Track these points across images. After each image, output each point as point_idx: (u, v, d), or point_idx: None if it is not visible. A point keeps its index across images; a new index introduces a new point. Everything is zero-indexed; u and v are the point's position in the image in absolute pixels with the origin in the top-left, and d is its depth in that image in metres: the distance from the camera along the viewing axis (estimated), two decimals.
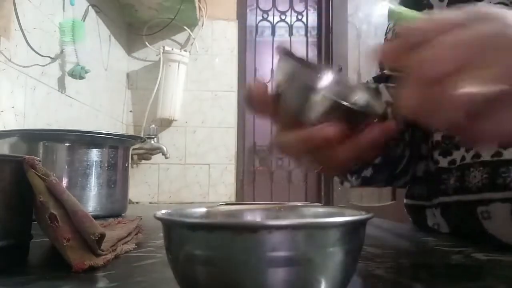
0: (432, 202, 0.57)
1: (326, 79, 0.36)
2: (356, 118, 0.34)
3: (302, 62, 0.37)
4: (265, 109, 0.35)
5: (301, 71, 0.34)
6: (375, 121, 0.35)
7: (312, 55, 2.39)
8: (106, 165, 0.82)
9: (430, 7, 0.60)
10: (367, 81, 0.63)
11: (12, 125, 0.93)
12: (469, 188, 0.48)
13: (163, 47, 1.84)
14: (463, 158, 0.49)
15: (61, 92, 1.21)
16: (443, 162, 0.52)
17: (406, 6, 0.66)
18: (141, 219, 0.58)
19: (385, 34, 0.70)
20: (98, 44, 1.52)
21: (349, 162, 0.37)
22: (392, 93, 0.52)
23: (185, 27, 1.91)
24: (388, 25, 0.70)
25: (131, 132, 1.87)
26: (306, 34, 2.42)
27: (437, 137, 0.54)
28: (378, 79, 0.67)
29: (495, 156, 0.46)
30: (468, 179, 0.48)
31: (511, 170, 0.44)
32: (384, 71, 0.67)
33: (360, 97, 0.36)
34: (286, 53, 0.35)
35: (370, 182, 0.56)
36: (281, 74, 0.34)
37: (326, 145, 0.34)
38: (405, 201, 0.65)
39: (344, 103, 0.33)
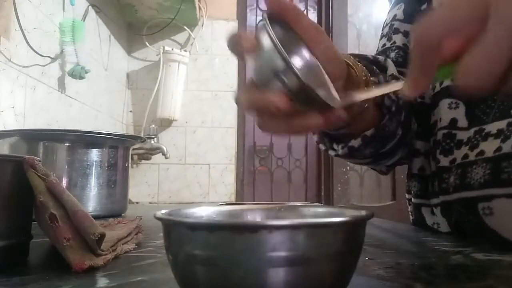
0: (431, 202, 0.57)
1: (296, 59, 0.38)
2: (311, 100, 0.35)
3: (283, 32, 0.37)
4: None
5: (273, 48, 0.33)
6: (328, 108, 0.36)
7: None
8: (106, 165, 0.82)
9: (430, 2, 0.60)
10: (377, 55, 0.61)
11: (12, 125, 0.93)
12: (471, 185, 0.48)
13: (163, 47, 1.84)
14: (465, 156, 0.49)
15: (61, 92, 1.21)
16: (444, 161, 0.52)
17: (406, 1, 0.65)
18: (141, 219, 0.58)
19: (382, 29, 0.69)
20: (98, 44, 1.52)
21: (294, 134, 0.39)
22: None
23: (185, 27, 1.91)
24: (385, 21, 0.69)
25: (131, 132, 1.87)
26: None
27: (438, 136, 0.54)
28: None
29: (497, 151, 0.46)
30: (470, 176, 0.48)
31: None
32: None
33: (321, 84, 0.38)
34: (270, 18, 0.35)
35: (355, 155, 0.54)
36: (256, 41, 0.35)
37: (273, 113, 0.35)
38: (406, 195, 0.65)
39: (307, 85, 0.33)
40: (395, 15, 0.67)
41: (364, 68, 0.47)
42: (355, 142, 0.50)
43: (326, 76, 0.40)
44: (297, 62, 0.39)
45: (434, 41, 0.28)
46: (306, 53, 0.40)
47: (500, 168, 0.45)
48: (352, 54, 0.51)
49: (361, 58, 0.52)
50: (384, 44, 0.67)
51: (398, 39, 0.65)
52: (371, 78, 0.47)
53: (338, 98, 0.38)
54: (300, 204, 0.35)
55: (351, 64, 0.46)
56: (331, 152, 0.55)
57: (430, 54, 0.29)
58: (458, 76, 0.28)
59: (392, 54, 0.64)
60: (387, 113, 0.49)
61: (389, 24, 0.67)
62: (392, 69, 0.53)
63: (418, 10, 0.63)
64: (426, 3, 0.61)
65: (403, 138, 0.55)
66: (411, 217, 0.65)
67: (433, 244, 0.47)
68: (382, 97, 0.49)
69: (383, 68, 0.53)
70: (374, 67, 0.51)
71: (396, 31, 0.65)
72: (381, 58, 0.56)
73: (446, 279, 0.31)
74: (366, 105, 0.46)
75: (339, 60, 0.41)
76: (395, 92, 0.48)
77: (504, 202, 0.45)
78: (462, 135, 0.51)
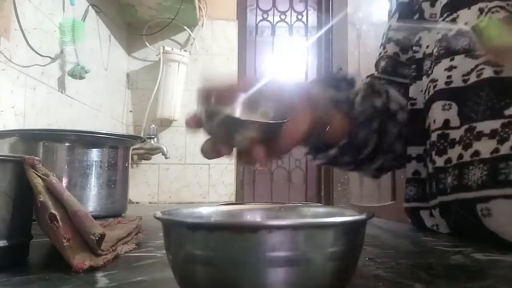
0: (428, 204, 0.57)
1: (238, 107, 0.43)
2: (268, 128, 0.42)
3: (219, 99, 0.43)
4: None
5: (217, 112, 0.40)
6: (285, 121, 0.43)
7: (312, 55, 2.39)
8: (106, 165, 0.82)
9: (422, 12, 0.62)
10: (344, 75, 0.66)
11: (12, 125, 0.93)
12: (469, 186, 0.48)
13: (163, 47, 1.84)
14: (460, 156, 0.49)
15: (61, 92, 1.21)
16: (440, 162, 0.53)
17: (400, 12, 0.69)
18: (141, 219, 0.58)
19: (382, 38, 0.72)
20: (98, 44, 1.52)
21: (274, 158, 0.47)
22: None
23: (185, 27, 1.91)
24: (384, 31, 0.72)
25: (131, 132, 1.87)
26: (306, 34, 2.42)
27: (433, 137, 0.54)
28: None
29: (494, 152, 0.46)
30: (467, 177, 0.48)
31: (510, 166, 0.44)
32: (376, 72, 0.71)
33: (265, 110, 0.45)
34: (204, 97, 0.42)
35: (336, 162, 0.60)
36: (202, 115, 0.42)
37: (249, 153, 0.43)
38: (404, 204, 0.66)
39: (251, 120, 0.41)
40: (390, 26, 0.71)
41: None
42: (332, 151, 0.57)
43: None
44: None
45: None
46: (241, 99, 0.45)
47: (497, 169, 0.45)
48: (315, 81, 0.60)
49: (330, 78, 0.60)
50: (380, 53, 0.71)
51: (390, 48, 0.69)
52: (338, 96, 0.55)
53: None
54: (300, 204, 0.35)
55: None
56: (317, 161, 0.61)
57: None
58: None
59: (383, 63, 0.69)
60: (355, 124, 0.55)
61: (385, 34, 0.71)
62: (360, 86, 0.58)
63: (411, 19, 0.66)
64: (418, 14, 0.63)
65: (379, 145, 0.59)
66: (410, 221, 0.65)
67: (433, 244, 0.47)
68: (349, 110, 0.55)
69: (352, 83, 0.59)
70: (343, 83, 0.57)
71: (389, 40, 0.69)
72: (350, 77, 0.60)
73: (446, 279, 0.31)
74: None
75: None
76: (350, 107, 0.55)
77: (502, 203, 0.45)
78: (454, 134, 0.51)
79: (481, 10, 0.52)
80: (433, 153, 0.54)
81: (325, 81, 0.58)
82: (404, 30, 0.67)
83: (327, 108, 0.52)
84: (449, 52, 0.54)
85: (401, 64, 0.67)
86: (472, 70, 0.50)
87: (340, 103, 0.55)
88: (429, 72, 0.57)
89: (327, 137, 0.55)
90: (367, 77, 0.71)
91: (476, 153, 0.47)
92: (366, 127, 0.56)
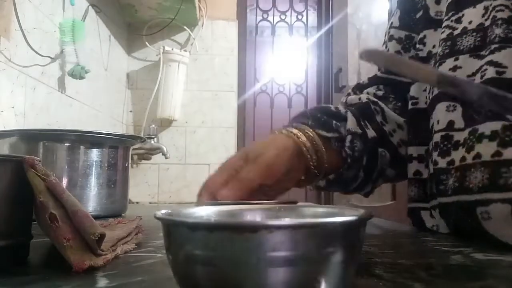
0: (429, 204, 0.57)
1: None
2: None
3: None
4: None
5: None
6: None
7: (312, 55, 2.39)
8: (106, 165, 0.82)
9: (426, 9, 0.61)
10: (346, 101, 0.67)
11: (12, 125, 0.93)
12: (469, 189, 0.48)
13: (163, 47, 1.84)
14: (463, 158, 0.49)
15: (61, 92, 1.21)
16: (442, 163, 0.52)
17: (402, 9, 0.68)
18: (141, 219, 0.58)
19: (385, 36, 0.71)
20: (98, 44, 1.52)
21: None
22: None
23: (185, 27, 1.91)
24: (388, 24, 0.70)
25: (131, 132, 1.87)
26: (306, 34, 2.42)
27: (436, 138, 0.54)
28: (372, 80, 0.70)
29: (495, 156, 0.46)
30: (469, 180, 0.48)
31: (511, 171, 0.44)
32: (379, 72, 0.69)
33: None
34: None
35: (326, 189, 0.64)
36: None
37: None
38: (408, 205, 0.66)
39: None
40: (392, 23, 0.69)
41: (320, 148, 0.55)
42: (321, 183, 0.59)
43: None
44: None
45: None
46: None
47: (499, 173, 0.45)
48: (312, 112, 0.59)
49: (321, 112, 0.59)
50: None
51: (392, 46, 0.67)
52: (329, 135, 0.56)
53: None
54: (300, 204, 0.35)
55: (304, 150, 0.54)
56: (309, 187, 0.63)
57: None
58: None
59: None
60: (344, 163, 0.57)
61: (387, 32, 0.70)
62: (351, 123, 0.58)
63: (413, 17, 0.65)
64: (421, 11, 0.63)
65: (367, 179, 0.60)
66: (410, 221, 0.65)
67: (433, 244, 0.47)
68: (340, 148, 0.57)
69: (344, 119, 0.59)
70: (334, 121, 0.58)
71: (390, 38, 0.68)
72: (343, 111, 0.61)
73: (446, 279, 0.31)
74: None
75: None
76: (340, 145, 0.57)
77: (502, 207, 0.45)
78: (459, 136, 0.51)
79: (486, 9, 0.51)
80: (436, 154, 0.53)
81: (314, 118, 0.58)
82: (406, 28, 0.66)
83: (317, 153, 0.54)
84: (453, 51, 0.53)
85: None
86: (477, 71, 0.50)
87: (330, 142, 0.56)
88: None
89: (315, 170, 0.56)
90: (369, 79, 0.70)
91: (478, 155, 0.47)
92: (353, 167, 0.58)
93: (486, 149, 0.46)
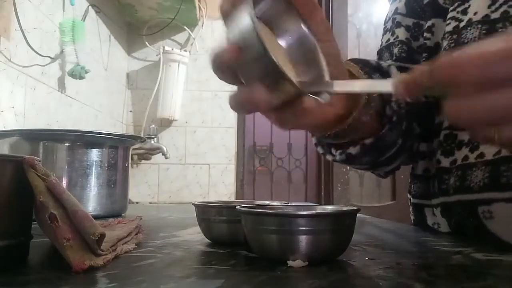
0: (432, 202, 0.57)
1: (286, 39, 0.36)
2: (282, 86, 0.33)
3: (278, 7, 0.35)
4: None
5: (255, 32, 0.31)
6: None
7: None
8: (106, 165, 0.82)
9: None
10: (380, 62, 0.60)
11: (12, 125, 0.93)
12: (471, 188, 0.48)
13: (163, 47, 1.84)
14: (465, 157, 0.49)
15: (61, 92, 1.21)
16: (445, 162, 0.52)
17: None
18: (141, 219, 0.58)
19: (385, 23, 0.68)
20: (98, 44, 1.52)
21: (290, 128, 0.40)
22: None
23: (185, 27, 1.91)
24: (387, 14, 0.68)
25: (131, 132, 1.87)
26: None
27: (441, 137, 0.53)
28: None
29: (496, 154, 0.45)
30: (470, 179, 0.48)
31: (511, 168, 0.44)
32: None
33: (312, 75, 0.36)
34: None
35: (353, 161, 0.53)
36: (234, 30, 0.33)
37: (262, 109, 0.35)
38: (408, 195, 0.65)
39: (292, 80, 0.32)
40: (397, 8, 0.65)
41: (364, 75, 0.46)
42: (353, 150, 0.49)
43: (322, 57, 0.37)
44: (281, 35, 0.37)
45: (464, 80, 0.26)
46: (300, 31, 0.37)
47: (499, 171, 0.45)
48: (353, 60, 0.50)
49: (363, 64, 0.51)
50: (388, 39, 0.65)
51: (401, 33, 0.63)
52: None
53: (329, 80, 0.36)
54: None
55: (353, 73, 0.45)
56: (329, 157, 0.54)
57: (447, 82, 0.27)
58: (450, 108, 0.27)
59: (395, 50, 0.63)
60: (387, 123, 0.48)
61: (391, 18, 0.66)
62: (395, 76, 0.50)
63: (421, 3, 0.61)
64: None
65: (403, 146, 0.53)
66: (412, 217, 0.65)
67: (433, 244, 0.47)
68: (383, 106, 0.48)
69: (386, 75, 0.52)
70: (377, 73, 0.50)
71: (398, 25, 0.64)
72: (384, 64, 0.55)
73: (446, 279, 0.31)
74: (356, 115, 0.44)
75: (340, 63, 0.41)
76: (387, 97, 0.48)
77: (504, 206, 0.45)
78: (463, 136, 0.51)
79: (493, 0, 0.49)
80: (439, 152, 0.53)
81: (362, 66, 0.48)
82: (413, 14, 0.62)
83: (363, 99, 0.44)
84: (458, 45, 0.51)
85: (414, 51, 0.62)
86: None
87: (368, 98, 0.45)
88: None
89: (350, 133, 0.47)
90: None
91: (481, 154, 0.47)
92: (396, 128, 0.49)
93: (490, 149, 0.46)
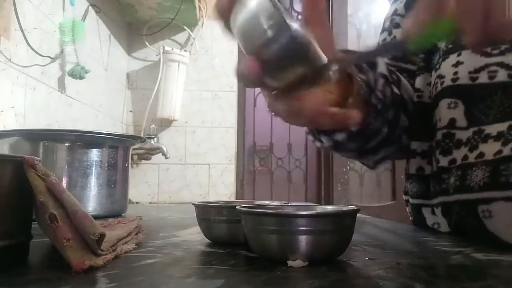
0: (431, 202, 0.57)
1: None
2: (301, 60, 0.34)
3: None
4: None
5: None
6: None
7: None
8: (106, 165, 0.82)
9: None
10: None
11: (12, 125, 0.93)
12: (471, 187, 0.48)
13: (163, 47, 1.84)
14: (465, 157, 0.49)
15: (61, 92, 1.21)
16: (443, 162, 0.52)
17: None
18: (141, 219, 0.58)
19: (383, 24, 0.68)
20: (98, 44, 1.52)
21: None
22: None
23: (185, 27, 1.91)
24: (386, 15, 0.68)
25: (131, 132, 1.87)
26: None
27: (438, 136, 0.53)
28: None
29: (497, 154, 0.46)
30: (470, 178, 0.48)
31: (511, 168, 0.44)
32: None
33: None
34: None
35: (340, 148, 0.54)
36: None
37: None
38: (404, 197, 0.65)
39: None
40: (396, 10, 0.66)
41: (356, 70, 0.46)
42: (340, 136, 0.50)
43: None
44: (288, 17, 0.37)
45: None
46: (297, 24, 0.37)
47: (499, 171, 0.45)
48: (342, 50, 0.49)
49: (351, 53, 0.50)
50: (385, 38, 0.66)
51: (399, 33, 0.64)
52: (359, 76, 0.46)
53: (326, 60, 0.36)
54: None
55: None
56: (317, 143, 0.54)
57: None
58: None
59: None
60: (372, 111, 0.48)
61: (390, 18, 0.66)
62: (382, 67, 0.51)
63: None
64: None
65: (389, 136, 0.53)
66: (410, 218, 0.65)
67: (433, 244, 0.47)
68: (369, 94, 0.48)
69: (373, 65, 0.52)
70: (364, 64, 0.50)
71: (396, 25, 0.64)
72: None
73: (446, 279, 0.31)
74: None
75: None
76: (373, 86, 0.48)
77: (503, 205, 0.45)
78: (461, 135, 0.51)
79: None
80: (437, 152, 0.53)
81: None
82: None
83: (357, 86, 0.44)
84: (457, 46, 0.51)
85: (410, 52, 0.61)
86: (482, 68, 0.49)
87: (361, 85, 0.46)
88: (437, 67, 0.55)
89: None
90: None
91: (481, 154, 0.47)
92: (381, 116, 0.50)
93: (490, 149, 0.46)
